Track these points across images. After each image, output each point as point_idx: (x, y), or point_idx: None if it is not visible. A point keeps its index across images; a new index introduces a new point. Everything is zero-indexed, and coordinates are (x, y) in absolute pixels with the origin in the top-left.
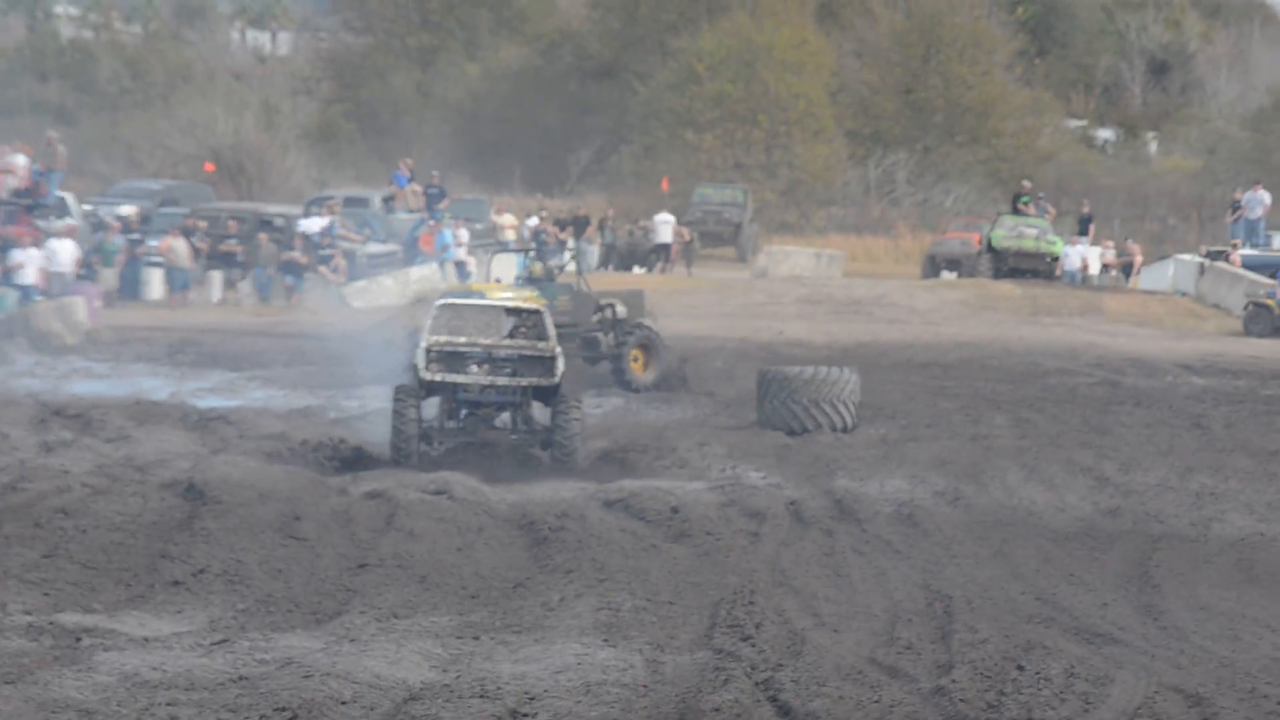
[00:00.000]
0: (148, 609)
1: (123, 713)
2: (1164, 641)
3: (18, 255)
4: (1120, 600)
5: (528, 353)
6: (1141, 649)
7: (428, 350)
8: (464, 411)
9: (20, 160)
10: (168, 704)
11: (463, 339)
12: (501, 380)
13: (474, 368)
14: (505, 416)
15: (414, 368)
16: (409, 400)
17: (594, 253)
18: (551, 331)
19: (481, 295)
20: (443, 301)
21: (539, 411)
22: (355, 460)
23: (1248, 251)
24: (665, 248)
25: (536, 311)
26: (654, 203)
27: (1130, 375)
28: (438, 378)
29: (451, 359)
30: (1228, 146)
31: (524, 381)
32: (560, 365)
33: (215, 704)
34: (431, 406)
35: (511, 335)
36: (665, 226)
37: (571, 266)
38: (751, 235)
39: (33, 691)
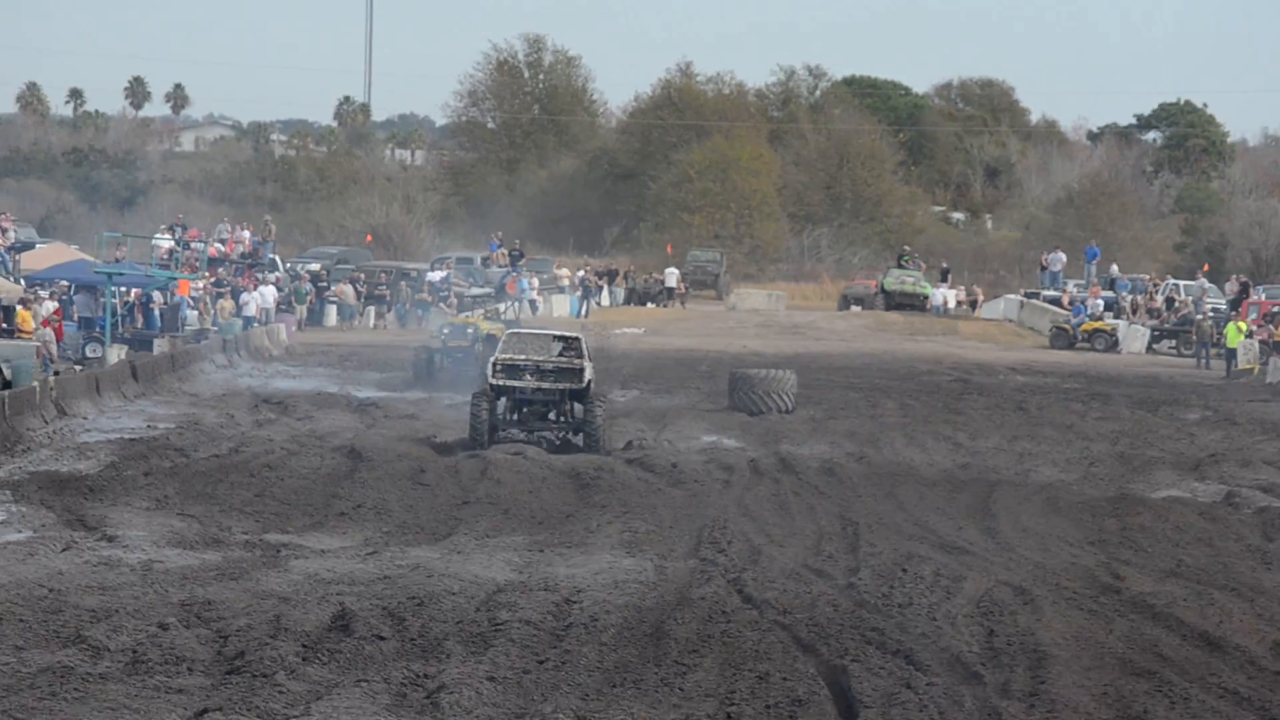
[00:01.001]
0: (323, 531)
1: (308, 599)
2: (998, 552)
3: (244, 297)
4: (969, 525)
5: (564, 365)
6: (984, 557)
7: (494, 364)
8: (523, 409)
9: (246, 234)
10: (337, 594)
11: (521, 356)
12: (546, 385)
13: (527, 376)
14: (552, 413)
15: (485, 376)
16: (482, 401)
17: (620, 293)
18: (585, 351)
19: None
20: (510, 331)
21: (577, 409)
22: (446, 447)
23: (1050, 292)
24: (670, 290)
25: (576, 337)
26: (662, 261)
27: (975, 375)
28: (502, 383)
29: (511, 370)
30: (1037, 224)
31: (561, 386)
32: (588, 374)
33: (369, 594)
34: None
35: (560, 354)
36: (671, 276)
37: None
38: (726, 283)
39: (248, 585)
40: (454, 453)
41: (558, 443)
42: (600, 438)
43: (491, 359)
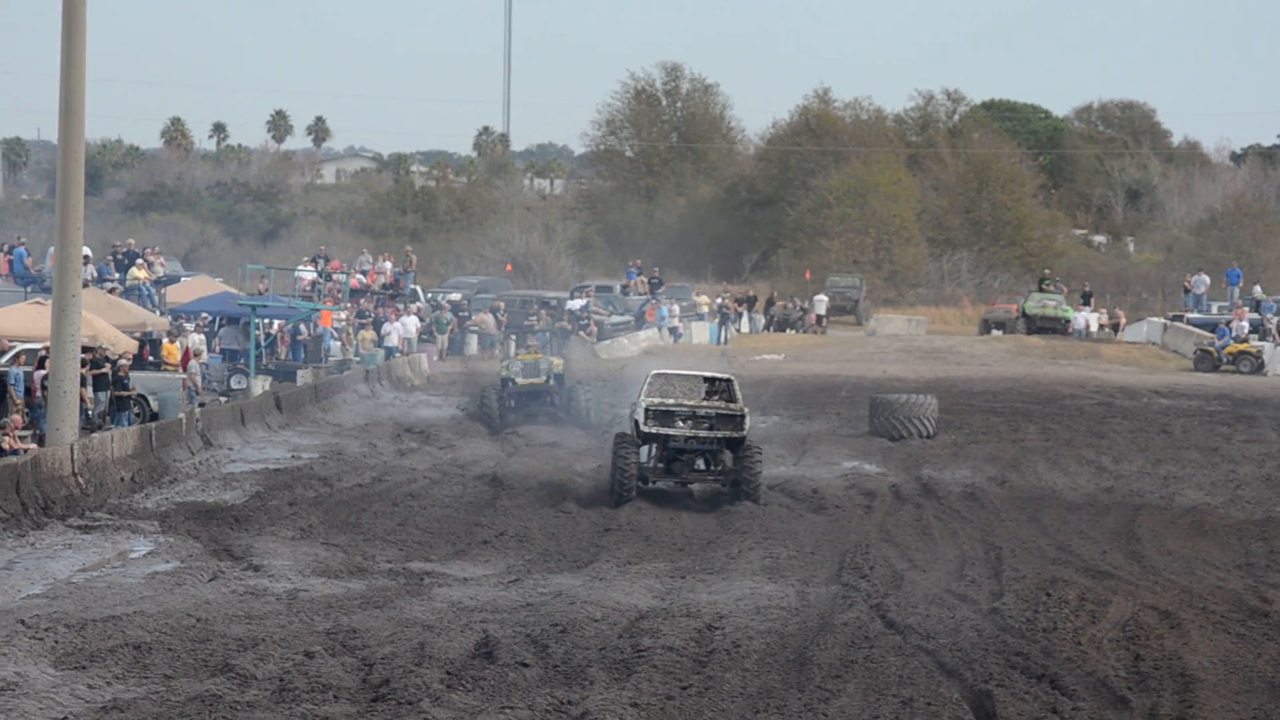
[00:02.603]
0: (466, 559)
1: (451, 627)
2: (1143, 576)
3: (386, 328)
4: (1114, 549)
5: (723, 411)
6: (1129, 581)
7: (646, 409)
8: (673, 458)
9: (387, 265)
10: (480, 621)
11: (672, 400)
12: (703, 433)
13: (681, 423)
14: (701, 461)
15: (634, 422)
16: (628, 449)
17: (760, 319)
18: (739, 395)
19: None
20: (656, 372)
21: (727, 457)
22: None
23: (1194, 315)
24: (821, 317)
25: (728, 379)
26: (801, 287)
27: (1118, 398)
28: (653, 430)
29: (664, 416)
30: (1180, 245)
31: (720, 434)
32: (748, 422)
33: (511, 621)
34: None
35: (708, 397)
36: (821, 303)
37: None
38: (865, 308)
39: (393, 613)
40: (600, 515)
41: (708, 494)
42: (759, 489)
43: (640, 404)
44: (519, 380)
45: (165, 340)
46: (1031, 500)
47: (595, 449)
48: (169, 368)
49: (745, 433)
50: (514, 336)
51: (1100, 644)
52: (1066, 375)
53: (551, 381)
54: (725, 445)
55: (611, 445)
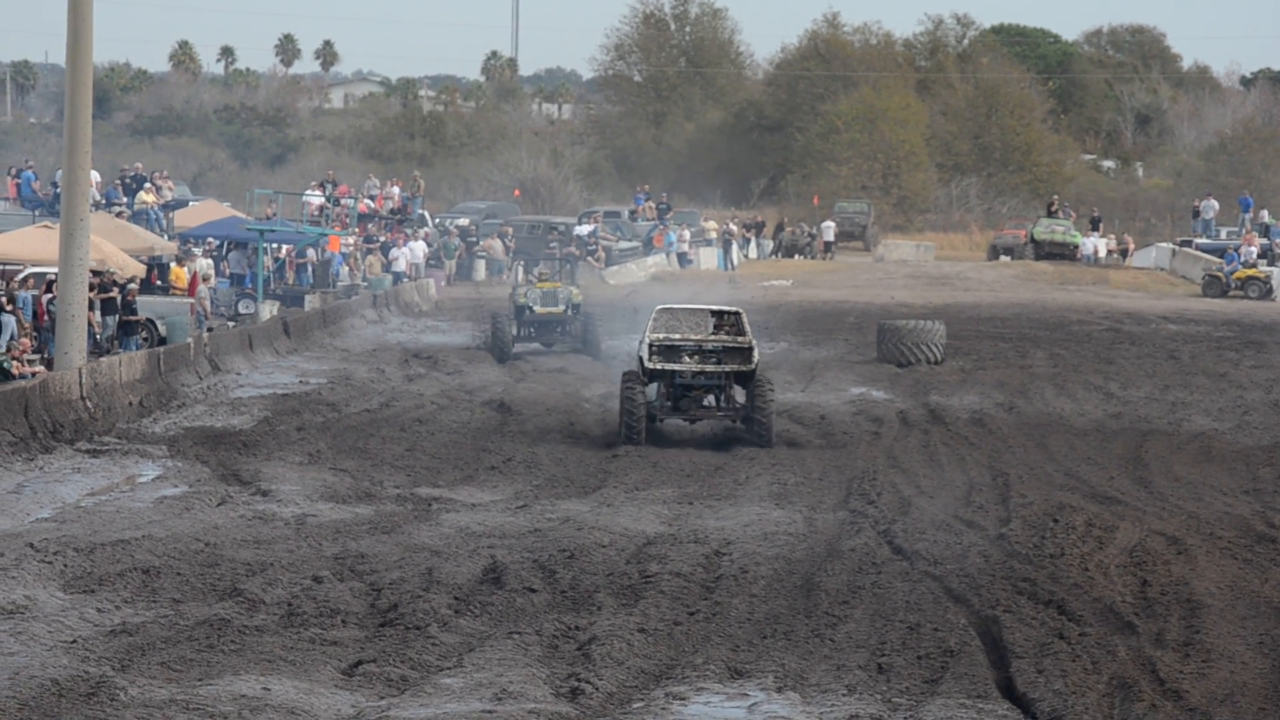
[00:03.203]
0: (474, 485)
1: (459, 552)
2: (1151, 502)
3: (394, 253)
4: (1121, 475)
5: (730, 345)
6: (1136, 507)
7: (650, 344)
8: (680, 394)
9: (395, 190)
10: (488, 546)
11: (677, 335)
12: (709, 367)
13: (687, 358)
14: (710, 397)
15: (639, 359)
16: (635, 387)
17: (768, 245)
18: (748, 328)
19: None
20: (661, 306)
21: (738, 393)
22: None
23: (1203, 240)
24: (829, 243)
25: (736, 312)
26: (809, 212)
27: (1127, 324)
28: (658, 366)
29: (669, 351)
30: (1189, 171)
31: (728, 368)
32: (756, 355)
33: (519, 547)
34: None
35: (715, 331)
36: (829, 229)
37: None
38: (873, 234)
39: (400, 538)
40: (608, 446)
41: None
42: (771, 428)
43: (645, 339)
44: (537, 309)
45: (174, 265)
46: (1039, 426)
47: (603, 374)
48: (177, 292)
49: (754, 366)
50: (522, 263)
51: (1107, 570)
52: (1075, 301)
53: (570, 311)
54: (735, 379)
55: (620, 384)
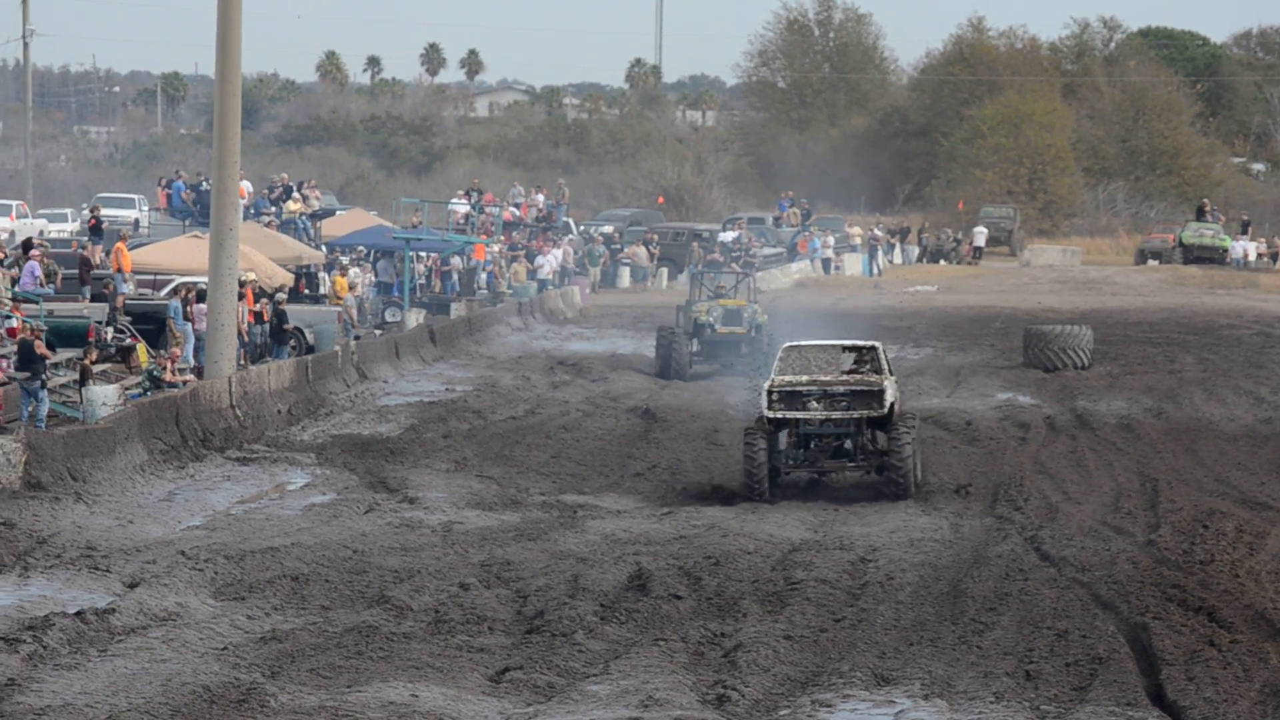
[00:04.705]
0: (619, 491)
1: (605, 559)
2: None
3: (540, 260)
4: (1273, 480)
5: (859, 388)
6: None
7: (769, 391)
8: (809, 444)
9: (540, 198)
10: (634, 553)
11: (804, 378)
12: (837, 414)
13: (814, 404)
14: (845, 445)
15: (761, 407)
16: (758, 440)
17: (913, 250)
18: (887, 364)
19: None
20: (788, 345)
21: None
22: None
23: None
24: (979, 249)
25: (873, 347)
26: (954, 217)
27: (1278, 329)
28: (780, 415)
29: (792, 398)
30: None
31: (857, 414)
32: (890, 396)
33: (665, 554)
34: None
35: (852, 369)
36: (980, 234)
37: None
38: (1019, 238)
39: (546, 545)
40: (734, 501)
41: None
42: (910, 478)
43: (765, 384)
44: (719, 328)
45: (335, 274)
46: (1188, 431)
47: (747, 381)
48: (338, 301)
49: (887, 409)
50: (697, 276)
51: (1259, 576)
52: (1224, 305)
53: (754, 333)
54: (869, 425)
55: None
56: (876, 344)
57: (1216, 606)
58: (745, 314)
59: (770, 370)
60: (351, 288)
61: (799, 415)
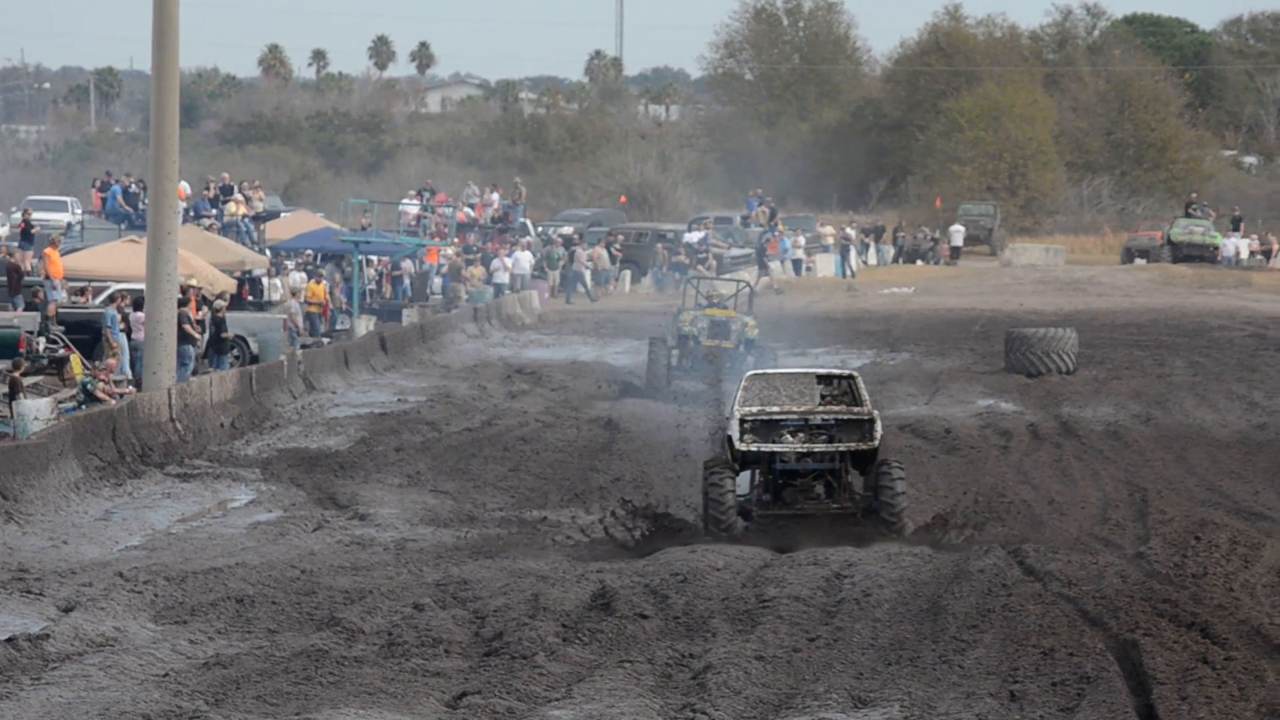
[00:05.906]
0: (581, 506)
1: (566, 577)
2: None
3: (495, 263)
4: (1267, 489)
5: (845, 417)
6: None
7: (741, 420)
8: (782, 482)
9: (495, 198)
10: (597, 571)
11: (776, 408)
12: (819, 447)
13: (789, 436)
14: (820, 486)
15: (727, 439)
16: (724, 476)
17: (889, 251)
18: (865, 395)
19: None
20: (752, 373)
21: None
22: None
23: None
24: (957, 249)
25: (850, 376)
26: (931, 215)
27: (1272, 330)
28: (752, 448)
29: (766, 429)
30: None
31: (842, 447)
32: (879, 428)
33: (630, 571)
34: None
35: (824, 401)
36: (958, 233)
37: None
38: (1000, 237)
39: (505, 563)
40: (694, 540)
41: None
42: (903, 516)
43: (734, 415)
44: (704, 341)
45: (310, 281)
46: (1178, 438)
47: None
48: (313, 308)
49: (877, 443)
50: (688, 284)
51: (1254, 590)
52: (1215, 305)
53: (741, 348)
54: (852, 461)
55: (701, 473)
56: (854, 373)
57: (1210, 622)
58: (734, 326)
59: (734, 401)
60: (295, 293)
61: (776, 448)
